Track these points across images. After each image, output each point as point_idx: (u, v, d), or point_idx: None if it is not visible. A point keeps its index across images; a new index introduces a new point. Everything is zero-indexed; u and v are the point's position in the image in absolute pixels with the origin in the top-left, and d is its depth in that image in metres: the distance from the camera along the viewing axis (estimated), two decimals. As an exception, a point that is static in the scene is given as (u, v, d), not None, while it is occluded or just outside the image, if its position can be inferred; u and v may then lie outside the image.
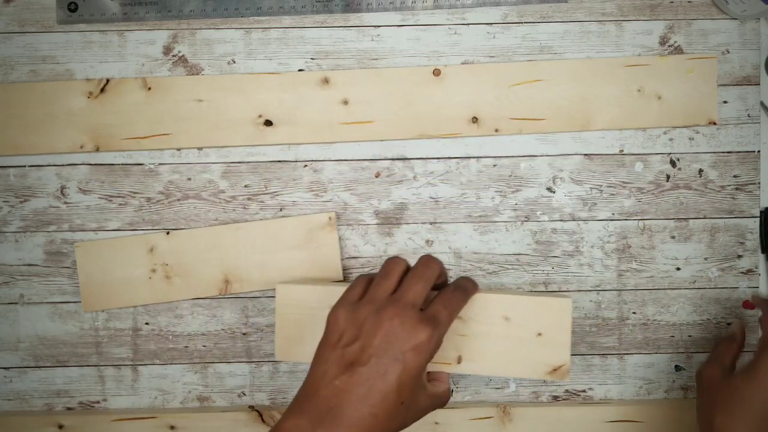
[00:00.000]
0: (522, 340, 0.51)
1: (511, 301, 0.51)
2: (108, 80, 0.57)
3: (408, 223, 0.58)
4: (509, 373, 0.51)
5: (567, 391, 0.59)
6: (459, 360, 0.51)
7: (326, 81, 0.57)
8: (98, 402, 0.59)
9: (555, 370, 0.51)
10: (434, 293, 0.49)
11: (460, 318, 0.51)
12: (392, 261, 0.49)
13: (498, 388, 0.59)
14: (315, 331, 0.51)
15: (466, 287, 0.50)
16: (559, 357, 0.51)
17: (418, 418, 0.48)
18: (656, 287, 0.58)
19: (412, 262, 0.49)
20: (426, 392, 0.47)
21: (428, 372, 0.50)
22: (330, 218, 0.57)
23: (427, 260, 0.48)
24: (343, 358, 0.45)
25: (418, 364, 0.45)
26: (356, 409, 0.44)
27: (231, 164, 0.58)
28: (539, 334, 0.51)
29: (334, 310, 0.47)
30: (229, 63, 0.57)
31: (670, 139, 0.58)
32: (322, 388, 0.45)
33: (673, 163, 0.58)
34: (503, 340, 0.51)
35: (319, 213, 0.58)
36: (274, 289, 0.57)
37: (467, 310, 0.51)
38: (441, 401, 0.50)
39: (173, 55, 0.57)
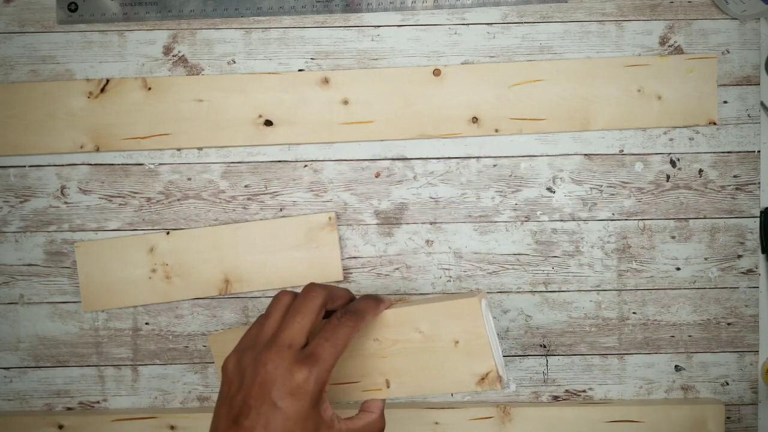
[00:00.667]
0: (441, 352, 0.46)
1: (419, 311, 0.47)
2: (108, 80, 0.57)
3: (408, 223, 0.58)
4: (439, 390, 0.47)
5: (567, 391, 0.59)
6: (388, 384, 0.47)
7: (326, 81, 0.57)
8: (98, 402, 0.59)
9: (483, 378, 0.46)
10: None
11: (376, 339, 0.47)
12: (275, 298, 0.46)
13: (498, 388, 0.59)
14: None
15: (359, 309, 0.46)
16: (482, 364, 0.46)
17: None
18: (656, 287, 0.58)
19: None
20: (334, 430, 0.44)
21: (364, 401, 0.48)
22: (330, 218, 0.57)
23: (307, 291, 0.46)
24: (231, 411, 0.42)
25: (299, 409, 0.42)
26: None
27: (231, 164, 0.58)
28: (456, 342, 0.46)
29: (227, 358, 0.45)
30: (229, 63, 0.57)
31: (670, 139, 0.58)
32: None
33: (673, 163, 0.58)
34: (423, 356, 0.47)
35: (319, 213, 0.58)
36: (274, 290, 0.57)
37: (381, 330, 0.47)
38: None
39: (173, 55, 0.57)
